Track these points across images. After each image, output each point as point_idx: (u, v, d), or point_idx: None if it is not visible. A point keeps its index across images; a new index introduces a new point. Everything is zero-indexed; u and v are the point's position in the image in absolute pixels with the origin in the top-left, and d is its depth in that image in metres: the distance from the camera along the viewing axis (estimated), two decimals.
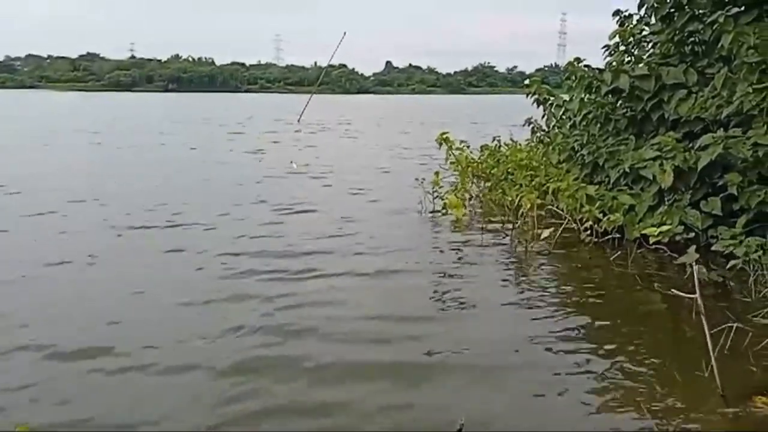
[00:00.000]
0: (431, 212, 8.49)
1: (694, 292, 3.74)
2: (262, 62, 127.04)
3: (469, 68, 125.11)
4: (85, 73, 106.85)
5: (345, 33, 31.10)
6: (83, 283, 5.51)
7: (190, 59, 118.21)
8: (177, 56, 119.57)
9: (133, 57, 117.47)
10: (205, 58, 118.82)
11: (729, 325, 3.99)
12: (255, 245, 6.72)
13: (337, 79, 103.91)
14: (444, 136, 9.37)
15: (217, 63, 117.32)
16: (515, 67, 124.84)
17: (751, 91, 5.81)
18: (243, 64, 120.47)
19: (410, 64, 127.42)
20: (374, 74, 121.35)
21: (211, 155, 15.88)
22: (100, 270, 5.89)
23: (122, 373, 3.76)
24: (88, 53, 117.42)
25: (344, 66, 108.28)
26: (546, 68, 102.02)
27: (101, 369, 3.81)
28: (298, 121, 28.17)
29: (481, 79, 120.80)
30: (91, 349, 4.06)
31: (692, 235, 5.83)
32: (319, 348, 4.15)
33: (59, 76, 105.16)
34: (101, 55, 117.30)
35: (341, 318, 4.69)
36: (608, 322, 4.67)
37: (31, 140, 19.09)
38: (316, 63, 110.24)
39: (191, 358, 3.95)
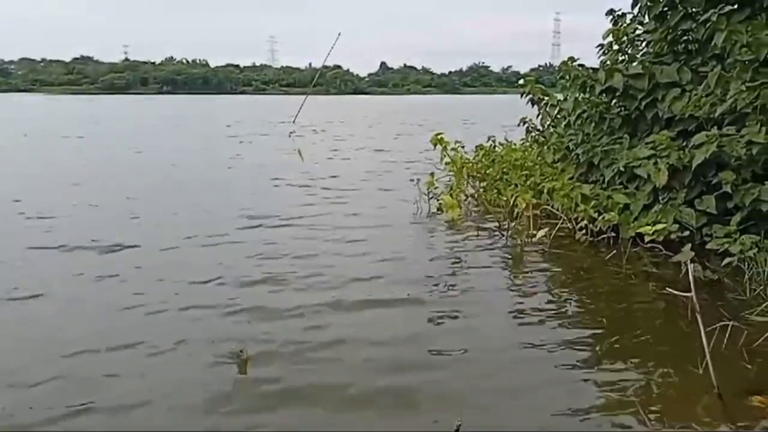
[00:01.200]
0: (427, 213, 8.48)
1: (690, 291, 3.73)
2: (257, 64, 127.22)
3: (464, 68, 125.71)
4: (79, 77, 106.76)
5: (339, 34, 31.24)
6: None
7: (184, 61, 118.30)
8: (171, 58, 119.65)
9: (126, 59, 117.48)
10: (200, 60, 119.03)
11: (724, 323, 4.00)
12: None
13: (331, 80, 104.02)
14: (439, 136, 9.37)
15: (212, 65, 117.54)
16: (510, 66, 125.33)
17: (744, 89, 5.82)
18: (237, 66, 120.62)
19: (405, 65, 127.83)
20: (369, 75, 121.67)
21: (194, 159, 15.38)
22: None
23: None
24: (82, 56, 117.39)
25: (339, 67, 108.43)
26: (540, 68, 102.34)
27: None
28: (293, 122, 28.16)
29: (476, 79, 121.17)
30: None
31: (687, 233, 5.84)
32: (313, 350, 4.13)
33: (53, 80, 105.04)
34: (95, 58, 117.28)
35: (333, 323, 4.67)
36: (604, 321, 4.67)
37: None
38: (310, 64, 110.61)
39: None
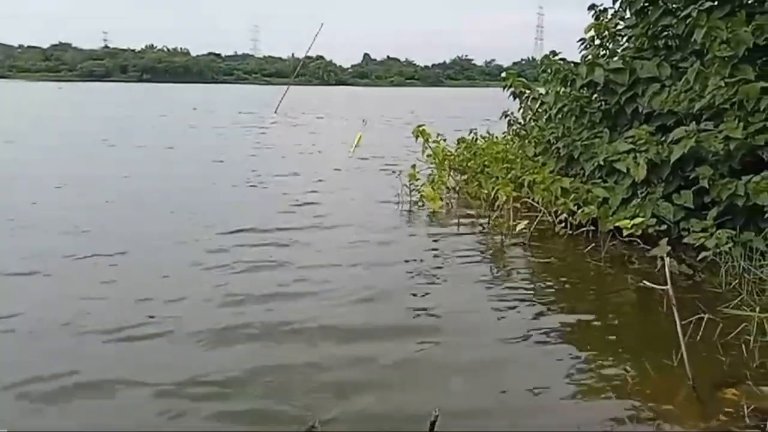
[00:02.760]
0: (408, 205, 8.48)
1: (666, 284, 3.78)
2: (239, 53, 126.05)
3: (447, 61, 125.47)
4: (58, 63, 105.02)
5: (322, 24, 30.97)
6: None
7: (165, 49, 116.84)
8: (151, 46, 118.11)
9: (106, 47, 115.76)
10: (181, 49, 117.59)
11: (700, 316, 4.04)
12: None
13: (314, 71, 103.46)
14: (420, 128, 9.36)
15: (193, 54, 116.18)
16: (493, 60, 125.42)
17: (723, 85, 5.88)
18: (219, 55, 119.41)
19: (388, 56, 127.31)
20: (352, 66, 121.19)
21: (163, 156, 14.11)
22: None
23: None
24: (60, 43, 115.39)
25: (322, 58, 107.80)
26: (523, 61, 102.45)
27: None
28: (275, 112, 27.97)
29: (459, 72, 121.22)
30: None
31: (664, 227, 5.90)
32: (292, 338, 4.12)
33: (30, 66, 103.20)
34: (74, 45, 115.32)
35: (314, 309, 4.67)
36: (581, 314, 4.71)
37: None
38: (293, 54, 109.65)
39: None
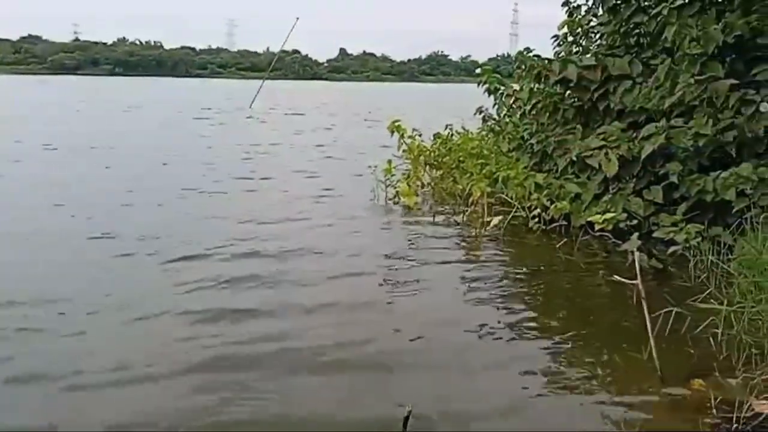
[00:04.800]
0: (383, 200, 8.48)
1: (636, 278, 3.84)
2: (213, 47, 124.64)
3: (423, 56, 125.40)
4: (27, 56, 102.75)
5: (297, 19, 30.73)
6: None
7: (138, 42, 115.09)
8: (124, 39, 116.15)
9: (77, 39, 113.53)
10: (154, 42, 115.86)
11: (668, 309, 4.11)
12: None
13: (290, 65, 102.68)
14: (396, 124, 9.36)
15: (166, 47, 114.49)
16: (469, 56, 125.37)
17: (692, 82, 5.98)
18: (193, 49, 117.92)
19: (364, 51, 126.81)
20: (328, 61, 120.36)
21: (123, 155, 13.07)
22: None
23: None
24: (30, 35, 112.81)
25: (297, 52, 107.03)
26: (499, 57, 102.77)
27: None
28: (250, 107, 27.73)
29: (434, 68, 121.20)
30: None
31: (635, 222, 5.98)
32: (264, 337, 4.11)
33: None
34: (44, 38, 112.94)
35: (291, 303, 4.66)
36: (553, 308, 4.78)
37: None
38: (268, 48, 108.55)
39: None
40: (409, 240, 6.66)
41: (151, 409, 3.22)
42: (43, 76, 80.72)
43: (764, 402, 3.14)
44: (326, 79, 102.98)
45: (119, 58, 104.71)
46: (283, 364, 3.73)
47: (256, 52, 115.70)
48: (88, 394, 3.37)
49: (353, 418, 3.20)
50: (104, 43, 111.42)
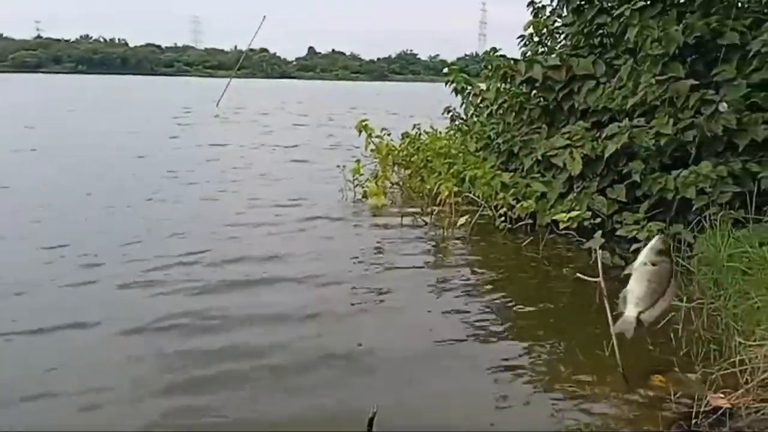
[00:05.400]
0: (352, 200, 8.46)
1: (599, 276, 3.89)
2: (179, 45, 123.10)
3: (393, 55, 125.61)
4: None
5: (264, 17, 30.41)
6: None
7: (102, 40, 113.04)
8: (87, 36, 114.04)
9: (39, 36, 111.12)
10: (118, 39, 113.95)
11: None
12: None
13: (258, 64, 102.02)
14: (363, 123, 9.33)
15: (131, 44, 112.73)
16: (438, 55, 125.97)
17: (654, 82, 6.07)
18: (159, 46, 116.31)
19: (333, 50, 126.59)
20: (297, 59, 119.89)
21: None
22: None
23: None
24: None
25: (266, 50, 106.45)
26: (467, 56, 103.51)
27: None
28: (217, 105, 27.42)
29: (404, 67, 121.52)
30: None
31: (599, 220, 6.07)
32: (227, 343, 4.06)
33: None
34: (4, 35, 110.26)
35: (254, 309, 4.61)
36: (519, 306, 4.81)
37: None
38: (236, 47, 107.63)
39: None
40: (377, 241, 6.65)
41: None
42: (4, 74, 78.58)
43: (722, 396, 3.21)
44: (295, 77, 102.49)
45: (82, 56, 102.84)
46: (244, 368, 3.69)
47: (223, 50, 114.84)
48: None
49: (318, 420, 3.19)
50: (67, 41, 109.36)
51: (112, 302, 4.69)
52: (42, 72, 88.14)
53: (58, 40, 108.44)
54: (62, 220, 7.22)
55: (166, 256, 5.69)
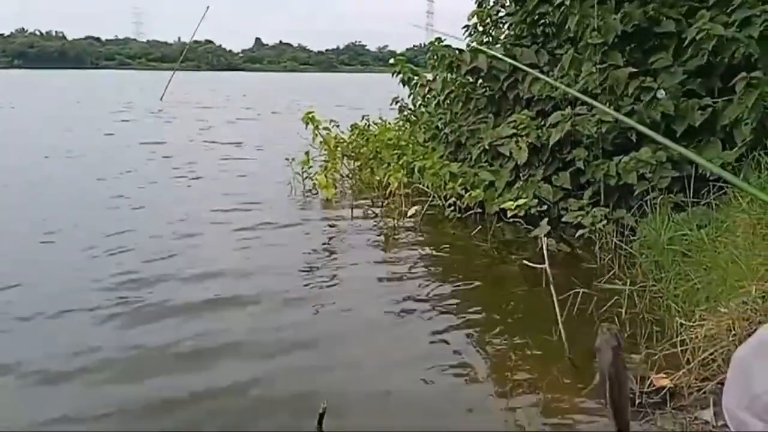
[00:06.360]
0: (301, 193, 8.38)
1: (545, 263, 3.95)
2: (120, 37, 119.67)
3: (341, 47, 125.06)
4: None
5: (208, 7, 29.81)
6: None
7: (38, 33, 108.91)
8: (22, 30, 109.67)
9: None
10: (56, 32, 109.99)
11: (576, 291, 4.26)
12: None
13: (203, 56, 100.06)
14: (310, 115, 9.23)
15: (69, 37, 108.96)
16: (386, 46, 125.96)
17: (594, 70, 6.20)
18: (98, 39, 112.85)
19: (281, 41, 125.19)
20: (243, 51, 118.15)
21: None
22: None
23: None
24: None
25: (210, 42, 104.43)
26: (415, 47, 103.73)
27: None
28: (161, 99, 26.75)
29: (353, 58, 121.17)
30: None
31: (545, 207, 6.17)
32: (176, 336, 3.97)
33: None
34: None
35: (208, 296, 4.57)
36: (468, 294, 4.86)
37: None
38: (179, 38, 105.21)
39: None
40: (328, 234, 6.62)
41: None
42: None
43: (664, 377, 3.30)
44: (242, 69, 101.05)
45: (18, 50, 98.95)
46: (193, 363, 3.62)
47: (166, 42, 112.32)
48: None
49: (267, 416, 3.15)
50: (1, 35, 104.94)
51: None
52: None
53: None
54: None
55: (86, 279, 5.02)
